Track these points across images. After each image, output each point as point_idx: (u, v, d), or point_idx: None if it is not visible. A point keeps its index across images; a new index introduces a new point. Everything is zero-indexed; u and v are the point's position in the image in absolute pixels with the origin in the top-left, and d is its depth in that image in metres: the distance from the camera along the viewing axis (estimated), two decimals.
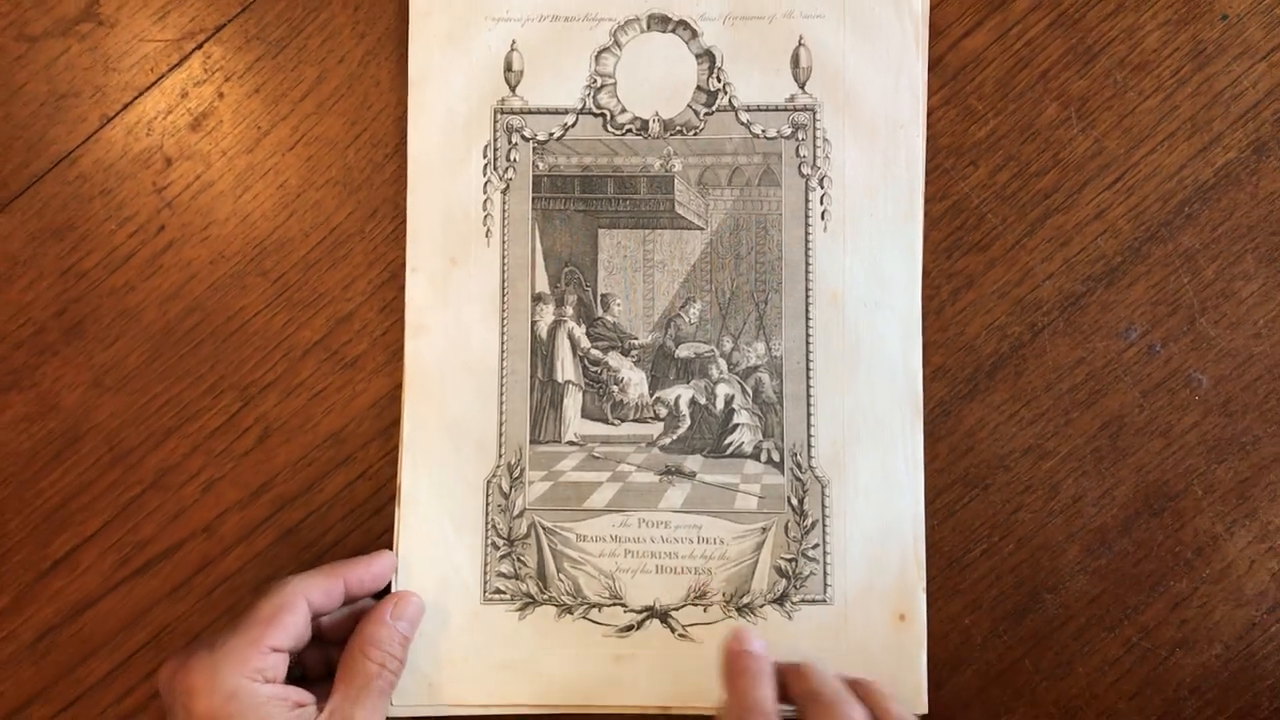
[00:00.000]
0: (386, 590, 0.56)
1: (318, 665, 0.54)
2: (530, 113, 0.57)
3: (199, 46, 0.59)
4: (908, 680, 0.55)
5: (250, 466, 0.58)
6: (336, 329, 0.58)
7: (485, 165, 0.57)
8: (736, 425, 0.57)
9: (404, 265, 0.58)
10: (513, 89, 0.57)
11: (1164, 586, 0.56)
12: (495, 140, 0.57)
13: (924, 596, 0.55)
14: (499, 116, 0.57)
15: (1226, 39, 0.57)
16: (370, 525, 0.58)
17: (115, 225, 0.58)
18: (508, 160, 0.57)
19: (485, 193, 0.57)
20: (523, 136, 0.57)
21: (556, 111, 0.57)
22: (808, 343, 0.56)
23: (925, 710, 0.55)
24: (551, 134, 0.57)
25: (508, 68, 0.57)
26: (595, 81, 0.57)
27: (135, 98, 0.59)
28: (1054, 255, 0.57)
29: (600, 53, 0.57)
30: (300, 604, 0.51)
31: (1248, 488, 0.56)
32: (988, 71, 0.57)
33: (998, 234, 0.57)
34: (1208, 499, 0.57)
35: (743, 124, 0.57)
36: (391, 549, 0.56)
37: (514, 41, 0.57)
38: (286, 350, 0.58)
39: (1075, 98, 0.57)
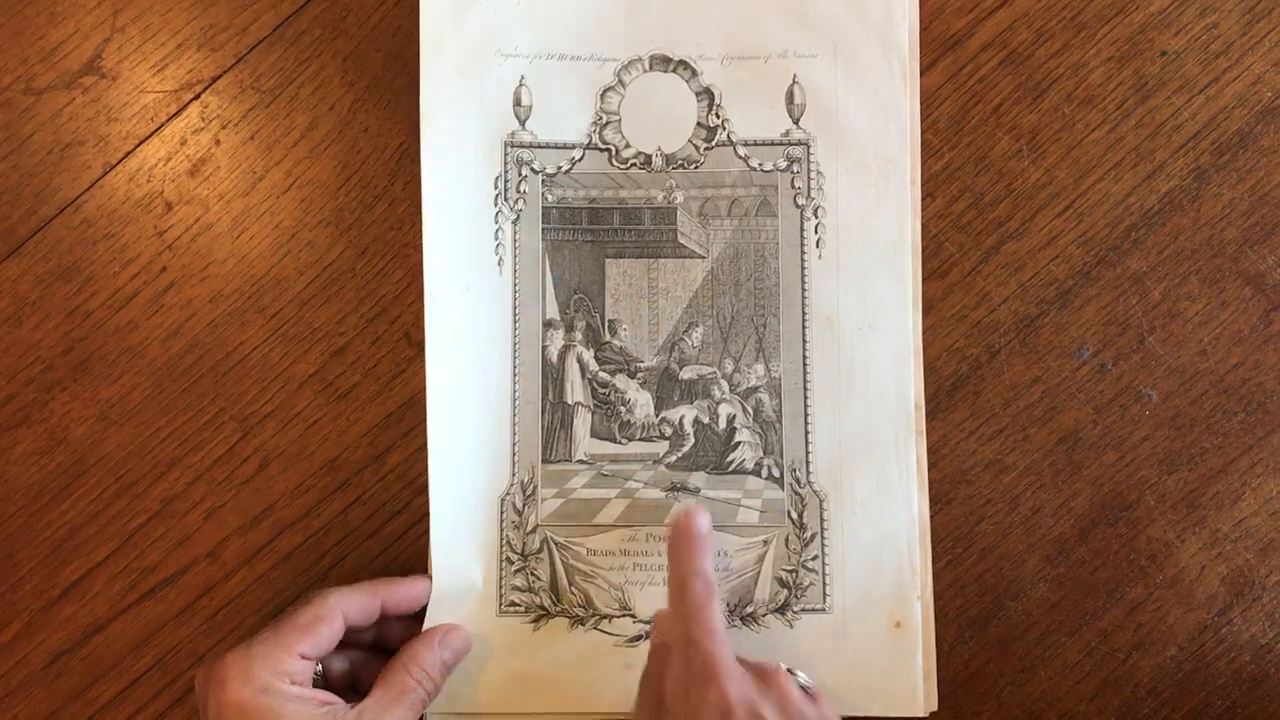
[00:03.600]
0: (421, 612, 0.58)
1: (340, 676, 0.57)
2: (539, 147, 0.60)
3: (196, 97, 0.62)
4: (904, 684, 0.57)
5: (251, 494, 0.60)
6: (330, 362, 0.61)
7: (496, 196, 0.60)
8: (738, 443, 0.59)
9: (394, 299, 0.61)
10: (522, 123, 0.60)
11: (1120, 593, 0.59)
12: (506, 172, 0.60)
13: (919, 605, 0.58)
14: (509, 150, 0.60)
15: (1166, 74, 0.60)
16: (366, 548, 0.60)
17: (119, 267, 0.61)
18: (518, 192, 0.60)
19: (497, 223, 0.60)
20: (532, 169, 0.60)
21: (564, 146, 0.60)
22: (805, 364, 0.59)
23: (922, 713, 0.57)
24: (560, 167, 0.60)
25: (517, 102, 0.60)
26: (601, 118, 0.60)
27: (136, 146, 0.62)
28: (1009, 280, 0.60)
29: (605, 91, 0.60)
30: (337, 618, 0.54)
31: (1196, 497, 0.59)
32: (942, 108, 0.60)
33: (955, 261, 0.60)
34: (1159, 508, 0.59)
35: (741, 158, 0.60)
36: (423, 573, 0.59)
37: (522, 77, 0.60)
38: (283, 383, 0.61)
39: (1026, 131, 0.60)
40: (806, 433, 0.59)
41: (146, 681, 0.60)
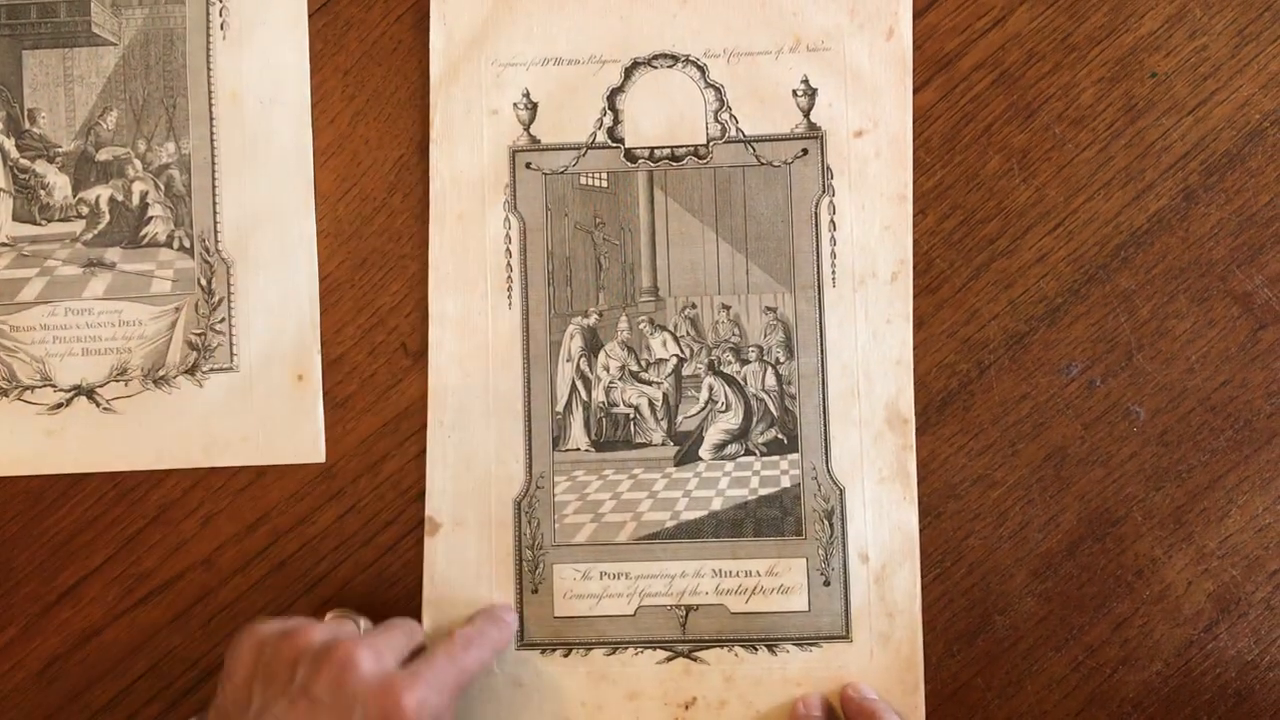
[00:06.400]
0: None
1: None
2: None
3: None
4: (305, 433, 0.60)
5: (246, 501, 0.61)
6: (327, 371, 0.61)
7: None
8: (151, 218, 0.62)
9: (391, 310, 0.61)
10: None
11: (1107, 608, 0.60)
12: None
13: (319, 357, 0.61)
14: None
15: (1156, 95, 0.61)
16: (360, 555, 0.61)
17: None
18: None
19: None
20: None
21: None
22: (212, 140, 0.61)
23: (321, 459, 0.60)
24: None
25: None
26: None
27: None
28: (999, 297, 0.61)
29: None
30: None
31: (1184, 513, 0.60)
32: (934, 126, 0.61)
33: (945, 277, 0.61)
34: (1147, 524, 0.60)
35: None
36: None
37: None
38: None
39: (1017, 150, 0.61)
40: (214, 204, 0.61)
41: (141, 686, 0.61)
